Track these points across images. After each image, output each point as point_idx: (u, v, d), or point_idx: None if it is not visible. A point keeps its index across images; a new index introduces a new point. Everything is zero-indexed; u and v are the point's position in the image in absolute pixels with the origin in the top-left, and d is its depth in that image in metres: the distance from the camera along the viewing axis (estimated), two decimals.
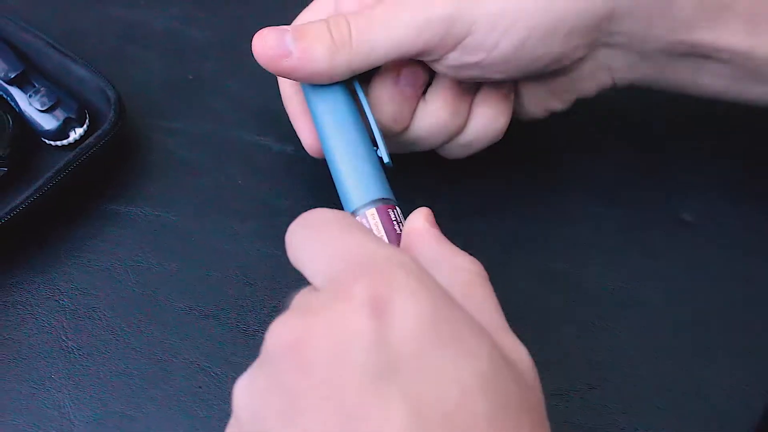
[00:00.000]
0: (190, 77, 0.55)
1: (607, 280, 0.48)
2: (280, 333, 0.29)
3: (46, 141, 0.51)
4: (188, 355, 0.45)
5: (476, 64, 0.41)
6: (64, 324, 0.45)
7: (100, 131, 0.49)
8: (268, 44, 0.42)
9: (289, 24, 0.57)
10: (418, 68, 0.44)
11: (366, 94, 0.44)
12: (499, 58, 0.41)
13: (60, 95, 0.51)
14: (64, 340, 0.45)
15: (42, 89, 0.51)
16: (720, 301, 0.47)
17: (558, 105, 0.47)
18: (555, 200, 0.51)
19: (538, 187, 0.51)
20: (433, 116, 0.45)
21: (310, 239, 0.32)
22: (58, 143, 0.50)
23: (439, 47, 0.41)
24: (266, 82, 0.55)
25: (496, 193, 0.51)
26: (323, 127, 0.43)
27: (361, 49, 0.41)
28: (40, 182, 0.47)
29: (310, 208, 0.49)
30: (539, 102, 0.47)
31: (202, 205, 0.50)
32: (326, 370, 0.27)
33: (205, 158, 0.51)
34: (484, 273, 0.34)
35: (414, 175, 0.51)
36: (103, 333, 0.45)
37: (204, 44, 0.57)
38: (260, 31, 0.43)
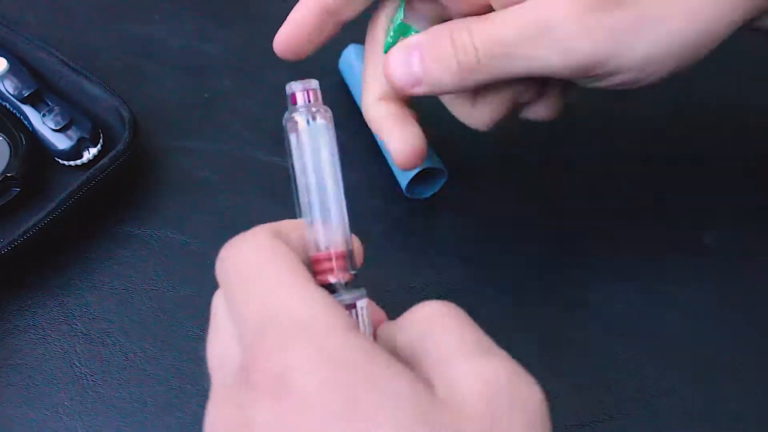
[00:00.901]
0: (206, 95, 0.54)
1: (629, 306, 0.47)
2: (210, 422, 0.29)
3: (60, 161, 0.50)
4: (203, 381, 0.44)
5: (615, 87, 0.40)
6: (77, 349, 0.45)
7: (114, 152, 0.48)
8: (397, 73, 0.40)
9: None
10: None
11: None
12: (641, 86, 0.39)
13: (74, 114, 0.50)
14: (77, 366, 0.44)
15: (56, 108, 0.50)
16: (744, 327, 0.46)
17: None
18: (575, 226, 0.50)
19: (558, 212, 0.50)
20: (486, 116, 0.43)
21: (230, 285, 0.32)
22: (72, 163, 0.50)
23: (580, 78, 0.39)
24: (282, 101, 0.54)
25: (514, 216, 0.50)
26: None
27: (489, 74, 0.39)
28: (53, 204, 0.46)
29: None
30: None
31: (217, 226, 0.49)
32: None
33: (221, 179, 0.51)
34: (443, 309, 0.32)
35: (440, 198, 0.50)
36: (116, 358, 0.44)
37: (219, 61, 0.56)
38: (390, 53, 0.41)
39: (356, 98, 0.53)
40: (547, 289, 0.47)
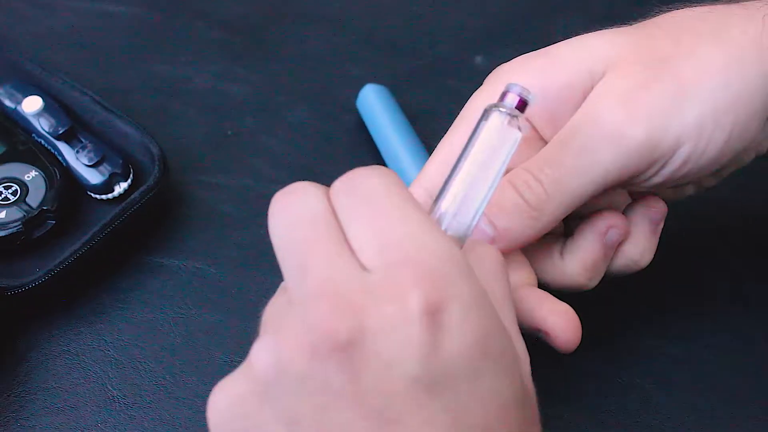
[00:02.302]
0: (230, 133, 0.57)
1: (667, 357, 0.48)
2: (332, 328, 0.28)
3: (92, 194, 0.53)
4: None
5: (684, 176, 0.39)
6: (110, 374, 0.47)
7: (144, 186, 0.51)
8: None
9: (322, 81, 0.60)
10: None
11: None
12: (706, 162, 0.39)
13: (105, 151, 0.53)
14: (109, 390, 0.46)
15: (89, 145, 0.53)
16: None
17: (714, 182, 0.45)
18: None
19: None
20: (569, 278, 0.41)
21: (359, 211, 0.31)
22: (104, 197, 0.52)
23: (645, 170, 0.39)
24: (302, 139, 0.57)
25: None
26: None
27: (561, 200, 0.38)
28: (87, 236, 0.49)
29: None
30: (700, 187, 0.45)
31: (242, 258, 0.51)
32: (375, 378, 0.28)
33: (245, 213, 0.53)
34: (501, 259, 0.34)
35: None
36: (147, 383, 0.47)
37: (243, 100, 0.59)
38: None
39: (374, 136, 0.55)
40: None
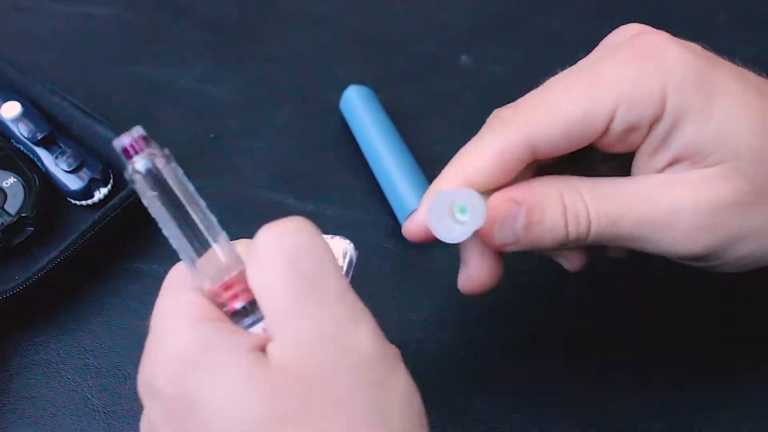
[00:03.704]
0: (212, 136, 0.57)
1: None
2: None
3: (72, 200, 0.52)
4: None
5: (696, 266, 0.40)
6: (90, 383, 0.46)
7: (123, 192, 0.50)
8: (500, 234, 0.38)
9: (301, 82, 0.59)
10: None
11: None
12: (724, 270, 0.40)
13: (85, 156, 0.52)
14: (89, 399, 0.46)
15: (68, 150, 0.52)
16: None
17: None
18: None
19: None
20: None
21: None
22: (83, 203, 0.52)
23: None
24: (285, 141, 0.57)
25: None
26: None
27: (593, 242, 0.38)
28: (66, 243, 0.48)
29: None
30: None
31: None
32: None
33: (227, 217, 0.51)
34: (276, 248, 0.34)
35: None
36: (127, 392, 0.46)
37: (226, 103, 0.58)
38: (495, 200, 0.38)
39: (357, 137, 0.55)
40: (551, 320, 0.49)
